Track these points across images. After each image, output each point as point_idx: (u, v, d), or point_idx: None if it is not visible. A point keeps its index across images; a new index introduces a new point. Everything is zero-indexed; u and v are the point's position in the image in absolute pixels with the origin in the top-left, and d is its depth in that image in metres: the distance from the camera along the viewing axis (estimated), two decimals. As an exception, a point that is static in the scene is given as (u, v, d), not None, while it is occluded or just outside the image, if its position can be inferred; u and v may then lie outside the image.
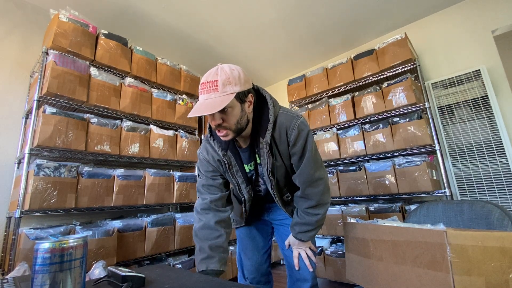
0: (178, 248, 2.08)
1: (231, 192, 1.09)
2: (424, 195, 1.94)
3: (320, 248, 2.28)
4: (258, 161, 0.95)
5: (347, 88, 2.45)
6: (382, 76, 2.26)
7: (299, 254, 1.01)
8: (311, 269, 0.98)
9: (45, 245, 0.52)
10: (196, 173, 1.03)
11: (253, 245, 1.15)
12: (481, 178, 2.01)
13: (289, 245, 1.05)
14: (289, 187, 1.01)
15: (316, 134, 2.57)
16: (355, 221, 0.96)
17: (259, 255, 1.15)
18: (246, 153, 0.95)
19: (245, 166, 0.98)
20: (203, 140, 1.04)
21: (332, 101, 2.49)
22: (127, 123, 1.97)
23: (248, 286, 0.65)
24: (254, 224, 1.18)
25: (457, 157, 2.13)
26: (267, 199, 1.08)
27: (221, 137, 0.87)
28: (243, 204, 1.05)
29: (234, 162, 0.95)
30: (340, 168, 2.33)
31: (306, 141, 0.89)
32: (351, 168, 2.26)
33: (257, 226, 1.18)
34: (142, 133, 2.05)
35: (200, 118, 2.67)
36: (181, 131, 2.35)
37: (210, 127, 0.96)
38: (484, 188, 1.99)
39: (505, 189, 1.91)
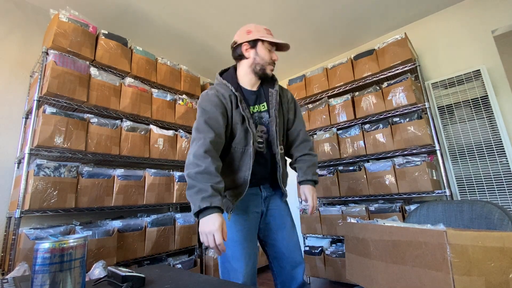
0: (178, 248, 2.08)
1: (231, 150, 1.06)
2: (424, 195, 1.94)
3: (320, 248, 2.28)
4: (264, 108, 1.13)
5: (347, 88, 2.45)
6: (382, 76, 2.26)
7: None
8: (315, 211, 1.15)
9: (45, 245, 0.52)
10: (197, 114, 1.06)
11: (252, 246, 1.02)
12: (481, 178, 2.01)
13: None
14: (282, 139, 1.20)
15: (316, 134, 2.57)
16: (355, 221, 0.96)
17: (255, 259, 1.02)
18: (253, 96, 1.13)
19: (250, 107, 1.12)
20: (209, 87, 1.14)
21: (332, 101, 2.49)
22: (127, 123, 1.97)
23: (248, 287, 0.65)
24: (251, 217, 1.06)
25: (457, 157, 2.13)
26: (267, 170, 1.11)
27: (270, 71, 1.13)
28: (250, 145, 1.03)
29: (242, 99, 1.08)
30: (340, 168, 2.33)
31: (297, 104, 1.27)
32: (351, 168, 2.26)
33: (254, 223, 1.07)
34: (142, 133, 2.05)
35: (200, 118, 2.68)
36: (181, 131, 2.35)
37: (221, 73, 1.16)
38: (484, 188, 1.99)
39: (505, 189, 1.91)
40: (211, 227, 0.81)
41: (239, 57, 1.13)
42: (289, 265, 1.05)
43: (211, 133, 0.96)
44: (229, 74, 1.15)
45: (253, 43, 1.09)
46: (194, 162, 0.91)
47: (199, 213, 0.85)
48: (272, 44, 1.11)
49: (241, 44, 1.10)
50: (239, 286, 0.67)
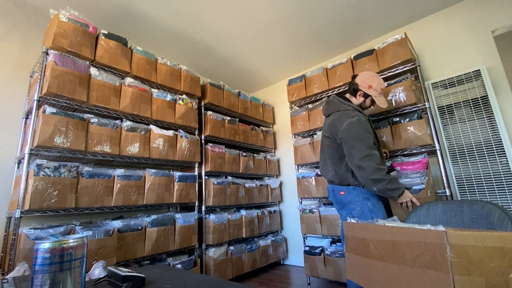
0: (178, 248, 2.08)
1: None
2: (424, 195, 1.94)
3: (320, 248, 2.28)
4: None
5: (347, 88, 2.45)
6: (382, 76, 2.26)
7: None
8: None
9: (45, 245, 0.52)
10: (357, 137, 1.46)
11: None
12: (481, 178, 2.01)
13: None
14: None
15: (316, 134, 2.57)
16: (355, 221, 0.96)
17: None
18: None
19: None
20: (347, 111, 1.58)
21: (332, 101, 2.48)
22: (127, 123, 1.97)
23: (249, 286, 0.65)
24: None
25: (457, 157, 2.13)
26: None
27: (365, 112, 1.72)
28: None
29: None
30: (340, 168, 2.33)
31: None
32: (351, 168, 2.26)
33: None
34: (142, 133, 2.05)
35: (200, 118, 2.68)
36: (181, 131, 2.35)
37: (359, 107, 1.69)
38: (484, 188, 1.99)
39: (505, 189, 1.91)
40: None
41: (354, 91, 1.71)
42: None
43: (377, 152, 1.56)
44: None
45: (366, 96, 1.68)
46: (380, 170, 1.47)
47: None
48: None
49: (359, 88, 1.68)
50: (239, 286, 0.67)
